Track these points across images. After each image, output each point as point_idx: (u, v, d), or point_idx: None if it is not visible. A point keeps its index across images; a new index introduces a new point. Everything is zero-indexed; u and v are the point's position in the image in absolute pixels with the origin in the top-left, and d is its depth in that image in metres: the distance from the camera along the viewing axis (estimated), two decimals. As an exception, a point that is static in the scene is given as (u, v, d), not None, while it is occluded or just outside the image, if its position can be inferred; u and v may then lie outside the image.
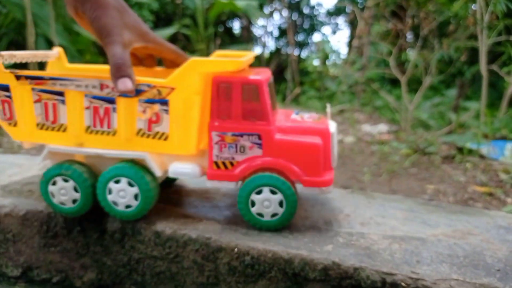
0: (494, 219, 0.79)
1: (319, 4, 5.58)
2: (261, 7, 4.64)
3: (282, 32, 5.35)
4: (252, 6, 3.78)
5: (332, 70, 3.74)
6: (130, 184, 0.71)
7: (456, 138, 1.98)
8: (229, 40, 4.97)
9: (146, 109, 0.69)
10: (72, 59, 2.70)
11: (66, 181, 0.72)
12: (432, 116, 2.71)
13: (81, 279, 0.76)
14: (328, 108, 0.77)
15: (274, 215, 0.70)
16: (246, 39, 4.95)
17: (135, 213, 0.72)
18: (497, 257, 0.64)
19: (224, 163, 0.70)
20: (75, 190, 0.72)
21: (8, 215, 0.76)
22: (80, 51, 3.02)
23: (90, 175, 0.73)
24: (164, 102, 0.69)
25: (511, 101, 2.32)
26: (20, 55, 0.76)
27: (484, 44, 2.14)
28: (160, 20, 4.23)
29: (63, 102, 0.71)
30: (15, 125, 0.73)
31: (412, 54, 2.57)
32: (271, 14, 5.03)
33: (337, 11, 5.49)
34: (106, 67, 0.88)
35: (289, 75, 3.74)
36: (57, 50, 0.87)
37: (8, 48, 2.51)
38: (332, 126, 0.74)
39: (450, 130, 2.29)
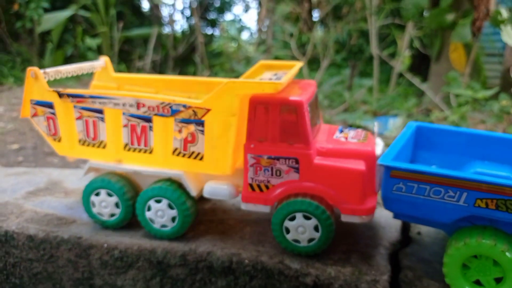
0: None
1: None
2: None
3: (193, 11, 5.14)
4: None
5: (239, 52, 3.56)
6: (170, 206, 0.70)
7: (348, 116, 2.16)
8: (137, 20, 4.80)
9: (182, 128, 0.68)
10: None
11: (109, 195, 0.73)
12: (331, 95, 2.83)
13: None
14: (376, 127, 0.72)
15: (311, 240, 0.66)
16: (155, 18, 4.75)
17: (169, 233, 0.71)
18: None
19: (259, 186, 0.68)
20: (116, 205, 0.73)
21: None
22: None
23: (131, 190, 0.74)
24: (200, 123, 0.67)
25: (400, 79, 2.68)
26: (65, 70, 0.78)
27: (374, 27, 2.46)
28: (57, 1, 4.05)
29: (102, 119, 0.71)
30: (59, 140, 0.75)
31: (313, 36, 2.79)
32: None
33: None
34: (154, 76, 0.88)
35: (197, 57, 3.58)
36: (103, 60, 0.88)
37: None
38: (379, 146, 0.69)
39: (345, 108, 2.43)
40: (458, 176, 0.56)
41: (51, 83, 0.74)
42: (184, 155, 0.69)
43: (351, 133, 0.73)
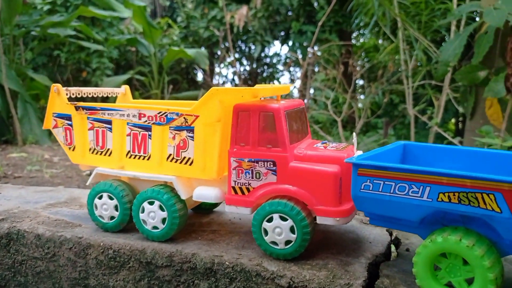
0: None
1: (277, 54, 5.47)
2: (220, 56, 4.70)
3: (244, 80, 5.30)
4: (202, 54, 3.88)
5: None
6: (161, 208, 0.74)
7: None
8: (191, 86, 5.03)
9: (175, 135, 0.74)
10: (23, 104, 2.84)
11: (111, 198, 0.79)
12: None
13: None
14: (354, 137, 0.74)
15: (287, 242, 0.67)
16: (206, 86, 4.94)
17: (159, 235, 0.75)
18: None
19: (241, 189, 0.71)
20: (116, 208, 0.79)
21: None
22: (34, 96, 3.07)
23: (130, 194, 0.79)
24: (190, 129, 0.73)
25: (437, 139, 2.54)
26: (86, 91, 0.88)
27: (409, 87, 2.43)
28: (120, 67, 4.35)
29: (110, 129, 0.79)
30: (73, 149, 0.83)
31: (348, 97, 2.83)
32: (230, 63, 5.05)
33: (293, 61, 5.32)
34: (168, 101, 0.96)
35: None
36: (124, 87, 0.98)
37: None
38: (357, 154, 0.71)
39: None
40: (419, 170, 0.56)
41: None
42: (176, 161, 0.75)
43: (332, 144, 0.75)
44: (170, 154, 0.75)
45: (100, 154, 0.81)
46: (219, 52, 5.19)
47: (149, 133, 0.76)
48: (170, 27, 4.90)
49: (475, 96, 2.51)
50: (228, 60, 5.15)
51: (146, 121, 0.76)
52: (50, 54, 3.98)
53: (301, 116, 0.77)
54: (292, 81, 5.92)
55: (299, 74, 5.92)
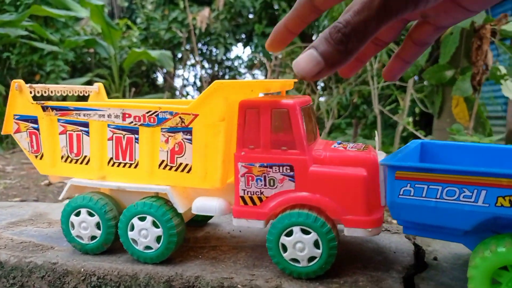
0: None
1: (238, 57, 5.53)
2: (181, 59, 4.69)
3: (207, 83, 5.36)
4: (166, 56, 3.81)
5: None
6: (155, 225, 0.62)
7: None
8: (152, 89, 4.98)
9: (168, 138, 0.62)
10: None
11: (91, 214, 0.65)
12: None
13: None
14: (377, 137, 0.65)
15: (311, 259, 0.57)
16: (168, 89, 4.92)
17: (153, 256, 0.62)
18: None
19: (251, 198, 0.60)
20: (97, 226, 0.65)
21: None
22: None
23: (114, 209, 0.66)
24: (188, 131, 0.61)
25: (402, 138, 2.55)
26: (54, 88, 0.74)
27: (375, 88, 2.49)
28: (76, 70, 4.21)
29: (87, 133, 0.66)
30: (41, 158, 0.68)
31: (316, 99, 2.82)
32: (193, 65, 5.06)
33: (252, 63, 5.43)
34: (148, 100, 0.84)
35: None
36: (97, 85, 0.84)
37: None
38: (381, 156, 0.62)
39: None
40: (474, 171, 0.48)
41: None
42: (171, 168, 0.62)
43: (350, 144, 0.66)
44: (163, 161, 0.63)
45: (75, 162, 0.67)
46: (179, 55, 5.03)
47: (136, 136, 0.63)
48: (130, 29, 4.68)
49: (442, 95, 2.53)
50: (189, 62, 5.00)
51: (132, 122, 0.63)
52: (-2, 57, 3.67)
53: (310, 114, 0.67)
54: (253, 81, 5.85)
55: (261, 77, 5.87)
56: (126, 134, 0.64)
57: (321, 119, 3.01)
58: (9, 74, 3.75)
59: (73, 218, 0.65)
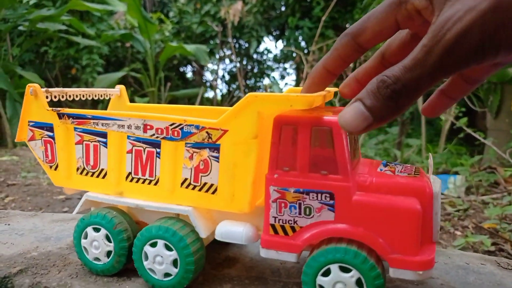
0: (452, 258, 0.69)
1: (268, 50, 5.34)
2: (212, 53, 4.58)
3: (233, 77, 5.19)
4: (202, 50, 3.73)
5: None
6: (168, 248, 0.55)
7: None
8: (182, 83, 4.89)
9: (193, 155, 0.54)
10: (13, 103, 2.66)
11: (97, 230, 0.59)
12: (378, 153, 2.64)
13: None
14: (430, 160, 0.55)
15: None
16: (198, 83, 4.81)
17: (174, 283, 0.55)
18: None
19: (283, 228, 0.51)
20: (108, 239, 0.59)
21: None
22: (23, 94, 3.00)
23: (128, 229, 0.59)
24: (215, 148, 0.53)
25: (448, 137, 2.44)
26: (72, 92, 0.68)
27: None
28: (111, 64, 4.18)
29: (105, 144, 0.59)
30: (55, 168, 0.63)
31: None
32: (221, 59, 4.92)
33: (285, 57, 5.24)
34: (170, 106, 0.77)
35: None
36: (119, 88, 0.78)
37: None
38: (436, 183, 0.52)
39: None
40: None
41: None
42: (194, 188, 0.55)
43: (399, 167, 0.56)
44: (186, 179, 0.55)
45: (92, 175, 0.61)
46: (210, 49, 4.99)
47: (157, 150, 0.56)
48: (162, 22, 4.66)
49: (500, 93, 2.34)
50: (217, 56, 4.94)
51: (153, 134, 0.56)
52: (37, 51, 3.72)
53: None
54: (283, 77, 5.74)
55: (290, 70, 5.74)
56: (147, 147, 0.57)
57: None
58: (47, 68, 3.80)
59: (89, 230, 0.59)
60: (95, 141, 0.59)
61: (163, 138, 0.56)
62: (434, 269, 0.62)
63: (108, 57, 4.15)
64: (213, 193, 0.54)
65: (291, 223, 0.51)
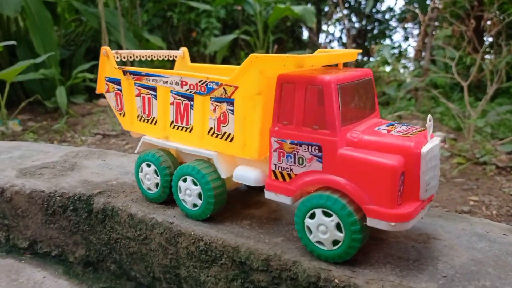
0: (474, 225, 0.67)
1: (390, 9, 4.52)
2: (327, 13, 4.09)
3: (353, 38, 4.56)
4: (309, 11, 3.47)
5: (391, 75, 3.03)
6: (194, 183, 0.66)
7: (517, 149, 1.64)
8: (295, 45, 4.51)
9: (216, 108, 0.64)
10: (140, 64, 2.79)
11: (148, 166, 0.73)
12: (498, 124, 2.19)
13: (74, 254, 0.83)
14: (430, 120, 0.55)
15: (335, 242, 0.54)
16: (313, 45, 4.37)
17: (199, 212, 0.67)
18: (450, 264, 0.56)
19: (282, 174, 0.58)
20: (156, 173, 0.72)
21: (17, 193, 0.85)
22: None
23: (171, 165, 0.72)
24: (230, 102, 0.61)
25: None
26: (139, 53, 0.81)
27: None
28: (227, 27, 4.05)
29: (155, 97, 0.72)
30: (124, 115, 0.78)
31: (479, 58, 2.14)
32: (338, 20, 4.35)
33: (405, 16, 4.37)
34: (227, 66, 0.85)
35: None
36: (182, 50, 0.90)
37: (85, 53, 2.72)
38: (430, 143, 0.53)
39: (513, 141, 1.84)
40: None
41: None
42: (217, 136, 0.65)
43: (401, 127, 0.57)
44: (211, 128, 0.65)
45: (147, 122, 0.74)
46: (326, 9, 4.87)
47: (191, 103, 0.67)
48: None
49: None
50: (336, 17, 4.80)
51: (188, 89, 0.67)
52: (164, 16, 4.11)
53: (366, 90, 0.61)
54: (407, 38, 5.33)
55: (416, 32, 5.29)
56: (184, 100, 0.68)
57: (483, 82, 2.54)
58: (171, 32, 4.18)
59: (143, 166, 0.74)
60: (148, 94, 0.72)
61: (195, 93, 0.66)
62: (446, 232, 0.63)
63: (225, 20, 4.37)
64: (230, 141, 0.63)
65: (288, 171, 0.58)
